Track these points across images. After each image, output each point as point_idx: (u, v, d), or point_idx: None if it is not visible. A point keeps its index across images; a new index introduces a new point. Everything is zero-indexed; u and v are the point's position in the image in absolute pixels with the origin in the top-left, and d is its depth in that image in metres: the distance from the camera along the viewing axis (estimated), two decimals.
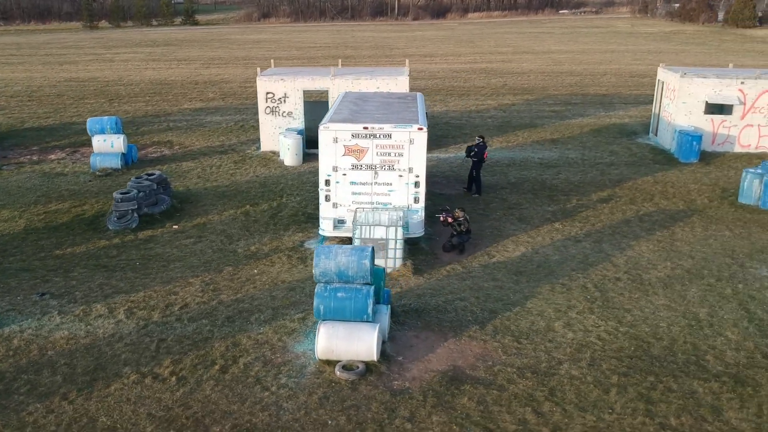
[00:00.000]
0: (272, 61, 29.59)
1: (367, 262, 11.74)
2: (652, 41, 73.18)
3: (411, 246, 16.57)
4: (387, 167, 16.20)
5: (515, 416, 10.30)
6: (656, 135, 27.78)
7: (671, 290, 14.55)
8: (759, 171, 20.13)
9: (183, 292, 14.41)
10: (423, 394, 10.82)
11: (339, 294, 11.74)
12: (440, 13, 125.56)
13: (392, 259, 15.30)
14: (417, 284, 14.79)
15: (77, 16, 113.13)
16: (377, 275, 12.38)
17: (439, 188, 21.61)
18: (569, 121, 31.60)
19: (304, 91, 25.30)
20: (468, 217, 16.66)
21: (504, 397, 10.75)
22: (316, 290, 11.86)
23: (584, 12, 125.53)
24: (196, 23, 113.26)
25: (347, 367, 11.40)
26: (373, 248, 12.07)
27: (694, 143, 24.39)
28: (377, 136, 15.99)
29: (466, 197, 20.72)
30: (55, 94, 40.80)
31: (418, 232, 16.64)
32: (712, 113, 25.88)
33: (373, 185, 16.30)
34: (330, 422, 10.14)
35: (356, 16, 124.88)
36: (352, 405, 10.53)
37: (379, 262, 15.29)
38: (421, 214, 16.53)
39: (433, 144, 27.22)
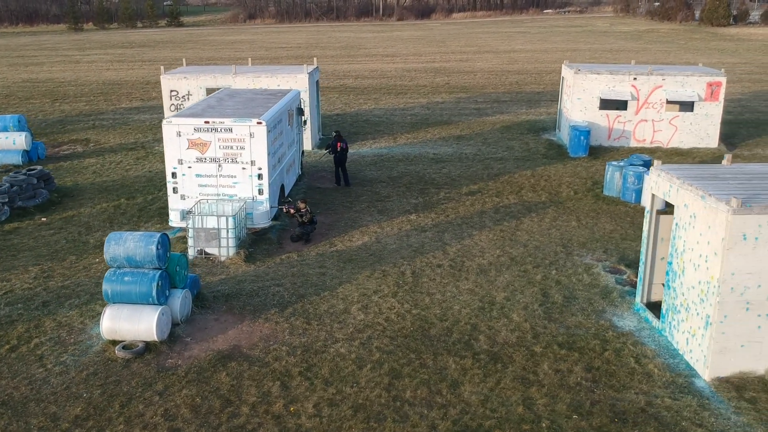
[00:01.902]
0: (183, 60, 30.28)
1: (153, 248, 12.41)
2: (621, 40, 73.57)
3: (257, 236, 17.26)
4: (230, 160, 16.88)
5: (261, 389, 10.95)
6: (559, 131, 28.38)
7: (484, 276, 15.17)
8: (620, 164, 20.70)
9: (16, 279, 15.12)
10: (187, 370, 11.49)
11: (126, 278, 12.43)
12: (425, 13, 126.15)
13: (225, 248, 15.97)
14: (244, 271, 15.46)
15: (65, 18, 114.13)
16: (174, 261, 13.04)
17: (320, 182, 22.28)
18: (486, 118, 32.20)
19: (206, 88, 26.00)
20: (310, 209, 17.31)
21: (262, 373, 11.41)
22: (105, 275, 12.55)
23: (569, 11, 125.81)
24: (180, 25, 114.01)
25: (127, 347, 12.08)
26: (163, 235, 12.74)
27: (582, 138, 24.97)
28: (218, 130, 16.68)
29: (337, 191, 21.36)
30: (3, 95, 41.63)
31: (263, 222, 17.32)
32: (609, 109, 26.46)
33: (218, 177, 16.98)
34: (84, 395, 10.82)
35: (341, 17, 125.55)
36: (114, 380, 11.21)
37: (213, 250, 16.01)
38: (266, 205, 17.20)
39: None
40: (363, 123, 31.45)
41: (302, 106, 21.81)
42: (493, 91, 40.30)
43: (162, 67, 27.29)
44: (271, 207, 17.34)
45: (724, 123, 30.78)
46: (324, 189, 21.58)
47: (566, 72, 27.58)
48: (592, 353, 12.05)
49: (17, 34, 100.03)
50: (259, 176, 16.95)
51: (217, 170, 16.93)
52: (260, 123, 16.67)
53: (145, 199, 20.51)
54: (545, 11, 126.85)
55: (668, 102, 26.12)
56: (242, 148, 16.78)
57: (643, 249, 13.64)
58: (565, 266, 15.73)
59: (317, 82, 28.18)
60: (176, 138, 16.78)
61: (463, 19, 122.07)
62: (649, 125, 26.33)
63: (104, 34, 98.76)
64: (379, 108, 35.18)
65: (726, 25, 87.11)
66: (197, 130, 16.71)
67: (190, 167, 16.95)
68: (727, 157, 13.60)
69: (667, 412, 10.43)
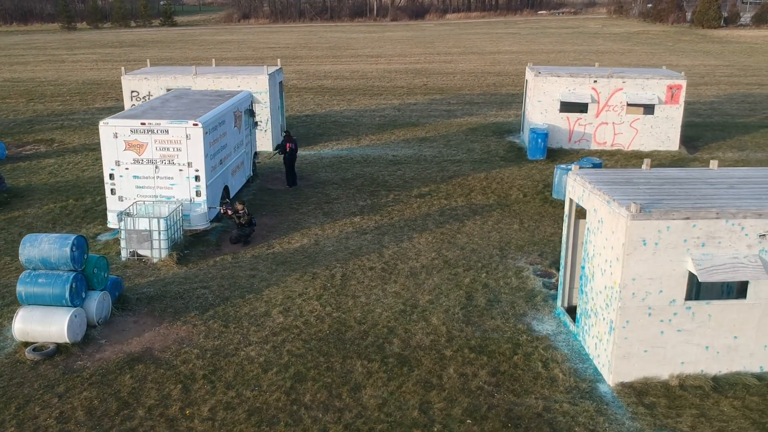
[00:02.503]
0: (148, 60, 30.30)
1: (68, 250, 12.43)
2: (609, 41, 73.51)
3: (195, 237, 17.28)
4: (167, 162, 16.90)
5: (161, 392, 10.96)
6: (523, 133, 28.37)
7: (413, 279, 15.17)
8: (568, 167, 20.68)
9: None
10: (93, 373, 11.51)
11: (40, 280, 12.45)
12: (419, 14, 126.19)
13: (157, 250, 15.98)
14: (175, 273, 15.48)
15: (59, 17, 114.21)
16: (91, 263, 13.05)
17: (272, 184, 22.30)
18: (454, 120, 32.20)
19: (167, 89, 26.01)
20: (249, 210, 17.32)
21: (166, 376, 11.42)
22: (20, 276, 12.57)
23: (563, 12, 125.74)
24: (174, 24, 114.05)
25: (38, 348, 12.10)
26: (79, 237, 12.75)
27: (539, 141, 24.96)
28: (155, 131, 16.69)
29: (287, 192, 21.37)
30: None
31: (201, 224, 17.34)
32: (570, 111, 26.45)
33: (156, 179, 17.00)
34: None
35: (335, 17, 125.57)
36: (17, 382, 11.23)
37: (145, 252, 16.03)
38: (204, 207, 17.21)
39: (305, 142, 27.93)
40: (330, 124, 31.46)
41: (253, 108, 21.79)
42: (468, 93, 40.30)
43: (123, 68, 27.34)
44: (209, 209, 17.35)
45: (692, 126, 30.86)
46: (275, 190, 21.59)
47: (529, 74, 27.57)
48: (501, 357, 12.05)
49: (10, 33, 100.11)
50: (197, 178, 16.96)
51: (154, 172, 16.95)
52: (196, 125, 16.68)
53: (93, 200, 20.53)
54: (539, 12, 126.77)
55: (631, 105, 26.10)
56: (179, 149, 16.79)
57: (562, 253, 13.64)
58: (497, 269, 15.73)
59: (281, 83, 28.18)
60: (113, 139, 16.80)
61: (457, 19, 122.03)
62: (609, 128, 26.31)
63: (97, 33, 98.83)
64: (350, 109, 35.18)
65: (717, 27, 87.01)
66: (134, 131, 16.72)
67: (127, 168, 16.97)
68: (646, 161, 13.59)
69: (563, 417, 10.43)
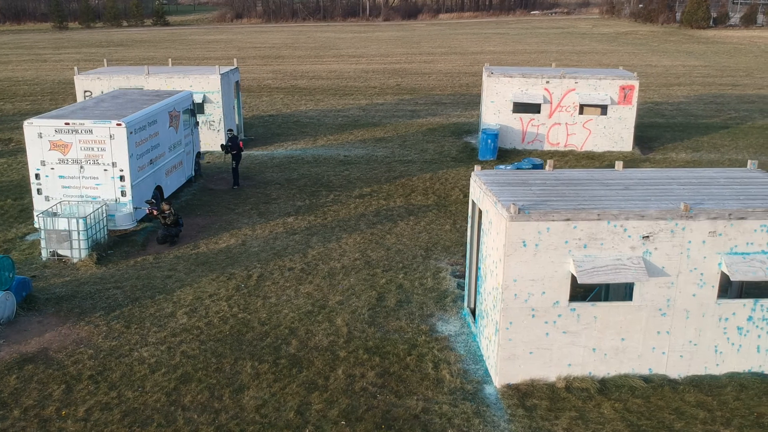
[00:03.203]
0: (105, 60, 30.31)
1: None
2: (595, 42, 73.37)
3: (121, 238, 17.28)
4: (92, 162, 16.89)
5: (43, 393, 10.95)
6: (479, 134, 28.31)
7: (329, 280, 15.14)
8: (507, 168, 20.65)
9: None
10: None
11: None
12: (412, 14, 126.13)
13: (77, 250, 15.97)
14: (92, 273, 15.47)
15: (52, 17, 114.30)
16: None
17: (216, 184, 22.29)
18: (417, 120, 32.17)
19: (119, 89, 25.98)
20: (174, 210, 17.30)
21: (53, 376, 11.41)
22: None
23: (555, 13, 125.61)
24: (167, 24, 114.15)
25: None
26: None
27: (489, 141, 24.92)
28: (79, 131, 16.69)
29: (228, 193, 21.35)
30: None
31: (126, 224, 17.33)
32: (524, 112, 26.40)
33: (81, 179, 16.99)
34: None
35: (328, 17, 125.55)
36: None
37: (66, 252, 16.02)
38: (130, 207, 17.20)
39: (263, 142, 27.96)
40: (292, 124, 31.44)
41: (193, 107, 21.76)
42: (439, 93, 40.26)
43: (76, 68, 27.34)
44: (135, 209, 17.34)
45: (654, 126, 30.85)
46: (216, 191, 21.58)
47: (484, 75, 27.51)
48: (394, 358, 12.02)
49: (2, 33, 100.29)
50: (121, 178, 16.95)
51: (80, 172, 16.94)
52: (120, 125, 16.67)
53: (31, 200, 20.49)
54: (532, 12, 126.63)
55: (584, 105, 26.04)
56: (103, 149, 16.79)
57: (467, 255, 13.61)
58: (416, 270, 15.70)
59: (237, 82, 28.17)
60: (38, 139, 16.80)
61: (449, 20, 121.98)
62: (562, 129, 26.26)
63: (87, 33, 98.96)
64: (316, 109, 35.16)
65: (705, 27, 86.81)
66: (58, 131, 16.72)
67: (53, 168, 16.97)
68: (550, 162, 13.54)
69: (439, 419, 10.40)
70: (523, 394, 11.04)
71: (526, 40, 75.85)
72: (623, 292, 13.09)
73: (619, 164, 13.67)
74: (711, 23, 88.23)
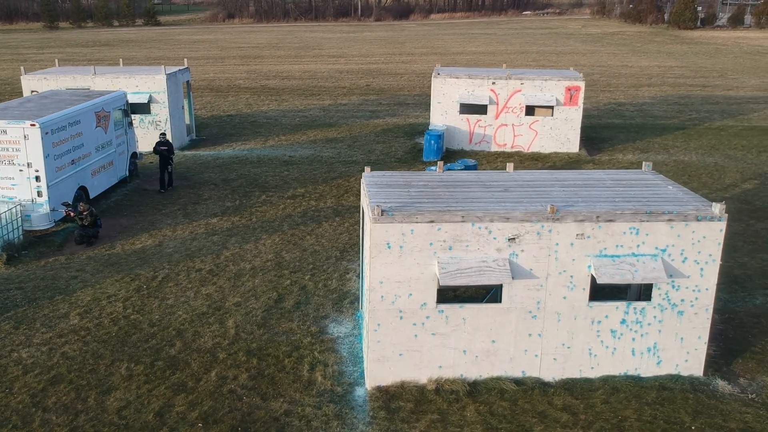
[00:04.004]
0: (56, 60, 30.35)
1: None
2: (579, 42, 73.29)
3: (38, 238, 17.28)
4: (7, 162, 16.89)
5: None
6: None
7: (234, 281, 15.11)
8: (434, 169, 20.55)
9: None
10: None
11: None
12: (403, 14, 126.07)
13: None
14: (0, 274, 15.47)
15: (43, 16, 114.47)
16: None
17: (151, 184, 22.26)
18: (373, 121, 32.14)
19: (66, 89, 25.99)
20: (93, 210, 17.28)
21: None
22: None
23: (547, 13, 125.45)
24: (158, 24, 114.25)
25: None
26: None
27: (433, 142, 24.87)
28: None
29: (160, 193, 21.33)
30: None
31: (42, 224, 17.32)
32: (472, 113, 26.35)
33: None
34: None
35: (320, 17, 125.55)
36: None
37: None
38: (46, 207, 17.19)
39: (214, 142, 27.97)
40: (248, 124, 31.43)
41: (127, 108, 21.73)
42: (406, 94, 40.23)
43: (22, 68, 27.36)
44: (52, 210, 17.32)
45: (610, 127, 30.79)
46: (150, 191, 21.56)
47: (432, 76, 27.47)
48: (272, 360, 11.99)
49: None
50: (37, 178, 16.95)
51: None
52: (34, 125, 16.67)
53: None
54: (524, 13, 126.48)
55: (530, 106, 25.98)
56: (18, 150, 16.79)
57: (360, 255, 13.56)
58: (325, 271, 15.66)
59: (188, 82, 28.17)
60: None
61: (441, 20, 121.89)
62: (509, 130, 26.20)
63: (77, 33, 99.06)
64: (277, 109, 35.14)
65: (693, 28, 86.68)
66: None
67: None
68: (439, 164, 13.49)
69: (299, 422, 10.37)
70: (391, 396, 11.00)
71: (510, 41, 75.78)
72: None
73: (509, 166, 13.61)
74: (699, 24, 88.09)
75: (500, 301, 11.14)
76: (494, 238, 10.81)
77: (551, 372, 11.47)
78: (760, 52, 63.44)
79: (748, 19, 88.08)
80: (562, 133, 26.03)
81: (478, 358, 11.31)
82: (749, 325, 13.55)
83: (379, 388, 11.18)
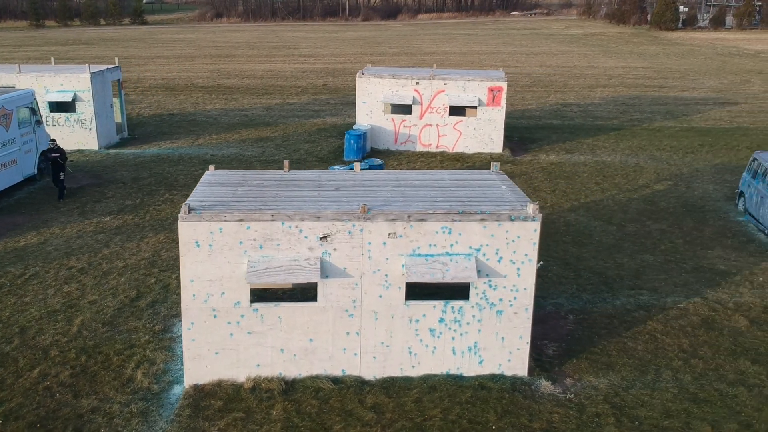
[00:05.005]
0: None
1: None
2: (556, 43, 73.18)
3: None
4: None
5: None
6: None
7: (101, 279, 15.15)
8: (341, 168, 20.58)
9: None
10: None
11: None
12: (391, 14, 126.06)
13: None
14: None
15: (29, 15, 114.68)
16: None
17: (75, 182, 22.30)
18: (313, 120, 32.18)
19: None
20: None
21: None
22: None
23: (535, 14, 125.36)
24: (144, 23, 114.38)
25: None
26: None
27: (353, 142, 24.88)
28: None
29: (66, 191, 21.37)
30: None
31: None
32: (397, 113, 26.36)
33: None
34: None
35: (307, 17, 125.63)
36: None
37: None
38: None
39: (144, 141, 28.03)
40: (186, 123, 31.47)
41: (34, 106, 21.77)
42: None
43: None
44: None
45: (547, 128, 30.80)
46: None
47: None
48: (101, 358, 12.02)
49: None
50: None
51: None
52: None
53: None
54: (512, 13, 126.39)
55: (454, 107, 25.97)
56: None
57: None
58: None
59: (119, 81, 28.21)
60: None
61: (428, 20, 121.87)
62: (434, 130, 26.20)
63: (62, 31, 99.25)
64: (222, 108, 35.18)
65: (674, 29, 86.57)
66: None
67: None
68: (285, 163, 13.51)
69: (101, 419, 10.40)
70: (206, 394, 11.03)
71: (487, 42, 75.71)
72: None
73: (357, 165, 13.62)
74: (680, 25, 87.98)
75: (316, 300, 11.17)
76: (305, 237, 10.83)
77: (372, 371, 11.48)
78: (731, 53, 63.33)
79: (729, 20, 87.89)
80: (486, 133, 26.02)
81: (297, 357, 11.32)
82: (599, 326, 13.55)
83: (195, 387, 11.20)
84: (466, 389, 11.27)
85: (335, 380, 11.32)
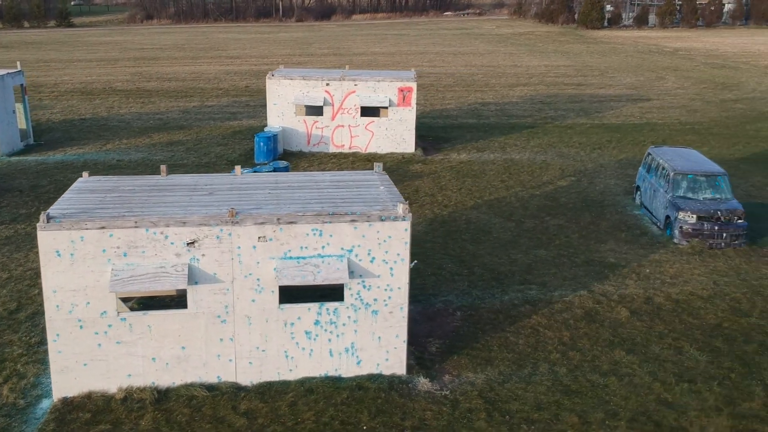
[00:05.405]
0: None
1: None
2: (484, 43, 74.09)
3: None
4: None
5: None
6: None
7: None
8: (249, 170, 20.37)
9: None
10: None
11: None
12: (325, 14, 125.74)
13: None
14: None
15: None
16: None
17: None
18: (229, 123, 31.81)
19: None
20: None
21: None
22: None
23: (468, 14, 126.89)
24: (71, 25, 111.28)
25: None
26: None
27: (262, 144, 24.67)
28: None
29: None
30: None
31: None
32: (309, 114, 26.26)
33: None
34: None
35: (240, 17, 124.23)
36: None
37: None
38: None
39: (50, 147, 27.21)
40: (97, 128, 30.70)
41: None
42: None
43: None
44: None
45: (463, 127, 31.14)
46: None
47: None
48: None
49: None
50: None
51: None
52: None
53: None
54: (445, 14, 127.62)
55: (365, 107, 26.01)
56: None
57: None
58: None
59: (22, 86, 27.32)
60: None
61: (362, 20, 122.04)
62: (346, 131, 26.19)
63: None
64: (137, 112, 34.44)
65: (600, 27, 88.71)
66: None
67: None
68: (163, 168, 13.27)
69: None
70: (74, 407, 10.74)
71: (417, 42, 76.15)
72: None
73: (237, 168, 13.49)
74: (605, 24, 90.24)
75: (186, 307, 11.00)
76: (172, 243, 10.65)
77: (248, 376, 11.38)
78: (651, 51, 65.27)
79: (652, 19, 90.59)
80: (398, 133, 26.15)
81: (169, 365, 11.13)
82: (485, 322, 13.75)
83: (64, 400, 10.89)
84: (343, 390, 11.27)
85: (210, 387, 11.18)
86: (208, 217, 10.70)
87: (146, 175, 14.19)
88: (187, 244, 10.66)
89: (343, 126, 26.15)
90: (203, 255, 10.75)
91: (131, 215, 10.65)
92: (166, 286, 10.57)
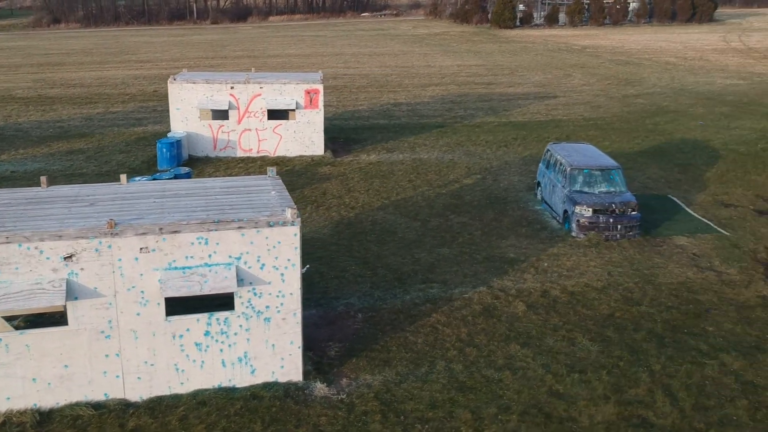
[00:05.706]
0: None
1: None
2: (400, 44, 74.58)
3: None
4: None
5: None
6: None
7: None
8: (144, 179, 19.86)
9: None
10: None
11: None
12: (241, 16, 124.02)
13: None
14: None
15: None
16: None
17: None
18: (132, 129, 30.91)
19: None
20: None
21: None
22: None
23: (385, 15, 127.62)
24: None
25: None
26: None
27: (165, 150, 24.06)
28: None
29: None
30: None
31: None
32: (215, 119, 25.77)
33: None
34: None
35: (153, 21, 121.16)
36: None
37: None
38: None
39: None
40: (9, 136, 29.31)
41: None
42: None
43: None
44: None
45: (371, 128, 31.18)
46: None
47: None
48: None
49: None
50: None
51: None
52: None
53: None
54: (363, 14, 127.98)
55: (272, 110, 25.73)
56: None
57: None
58: None
59: None
60: None
61: (279, 22, 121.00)
62: (253, 134, 25.84)
63: None
64: (37, 120, 33.04)
65: (512, 27, 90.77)
66: None
67: None
68: (43, 179, 12.75)
69: None
70: None
71: (334, 43, 76.05)
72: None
73: (123, 177, 13.10)
74: (517, 23, 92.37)
75: (67, 324, 10.57)
76: (48, 258, 10.22)
77: (137, 391, 11.03)
78: (561, 49, 67.18)
79: (562, 17, 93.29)
80: (306, 136, 25.98)
81: (52, 385, 10.68)
82: (385, 322, 13.78)
83: None
84: (237, 401, 11.07)
85: (97, 405, 10.79)
86: (86, 229, 10.31)
87: (25, 188, 13.56)
88: (64, 258, 10.24)
89: (250, 130, 25.79)
90: (82, 269, 10.35)
91: (2, 230, 10.15)
92: (42, 304, 10.12)
